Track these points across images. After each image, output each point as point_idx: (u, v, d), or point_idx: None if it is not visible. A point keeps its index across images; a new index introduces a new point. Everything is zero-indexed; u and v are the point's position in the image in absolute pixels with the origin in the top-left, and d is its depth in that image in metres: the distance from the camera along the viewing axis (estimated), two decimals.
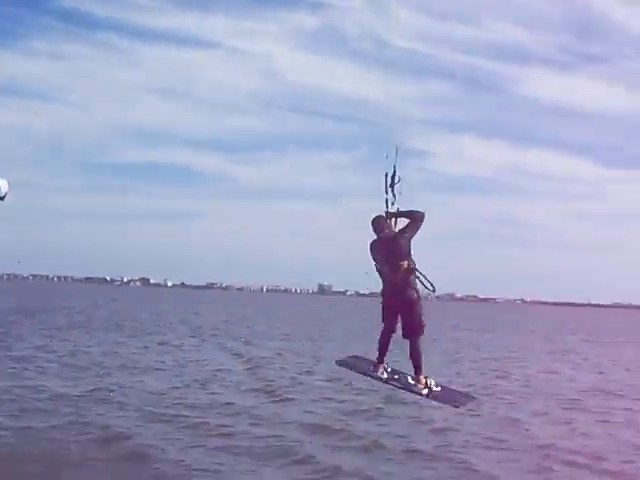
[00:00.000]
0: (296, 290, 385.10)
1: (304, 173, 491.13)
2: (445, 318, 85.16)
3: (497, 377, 30.55)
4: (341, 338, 48.22)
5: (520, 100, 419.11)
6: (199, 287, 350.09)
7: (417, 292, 10.87)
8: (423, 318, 11.00)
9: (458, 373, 29.88)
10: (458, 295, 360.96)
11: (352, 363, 11.93)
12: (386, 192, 11.38)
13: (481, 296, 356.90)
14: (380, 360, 11.00)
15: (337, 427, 18.20)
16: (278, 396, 23.24)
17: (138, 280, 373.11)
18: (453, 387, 12.57)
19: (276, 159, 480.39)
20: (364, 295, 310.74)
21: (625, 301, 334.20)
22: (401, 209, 11.26)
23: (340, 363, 11.98)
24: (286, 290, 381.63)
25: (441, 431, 17.85)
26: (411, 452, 15.73)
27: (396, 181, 11.39)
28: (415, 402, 16.92)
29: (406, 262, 10.69)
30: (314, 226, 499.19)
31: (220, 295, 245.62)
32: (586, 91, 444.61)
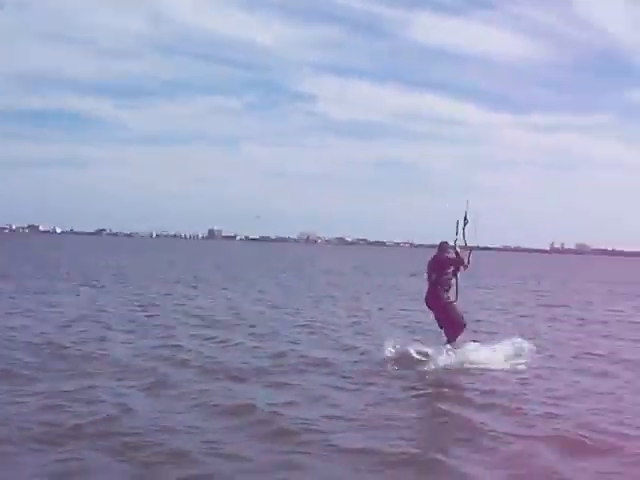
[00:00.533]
0: (185, 235, 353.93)
1: (193, 118, 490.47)
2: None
3: None
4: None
5: (409, 44, 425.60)
6: (88, 234, 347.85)
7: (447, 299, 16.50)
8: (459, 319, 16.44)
9: None
10: (348, 239, 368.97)
11: None
12: (456, 233, 16.46)
13: (371, 240, 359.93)
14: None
15: None
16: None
17: (27, 227, 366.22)
18: None
19: (165, 104, 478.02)
20: (254, 239, 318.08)
21: (513, 245, 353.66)
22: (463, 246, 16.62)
23: None
24: (175, 235, 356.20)
25: None
26: None
27: (464, 226, 16.46)
28: None
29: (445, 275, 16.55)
30: (204, 171, 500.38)
31: (108, 241, 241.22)
32: (475, 36, 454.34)
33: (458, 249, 16.53)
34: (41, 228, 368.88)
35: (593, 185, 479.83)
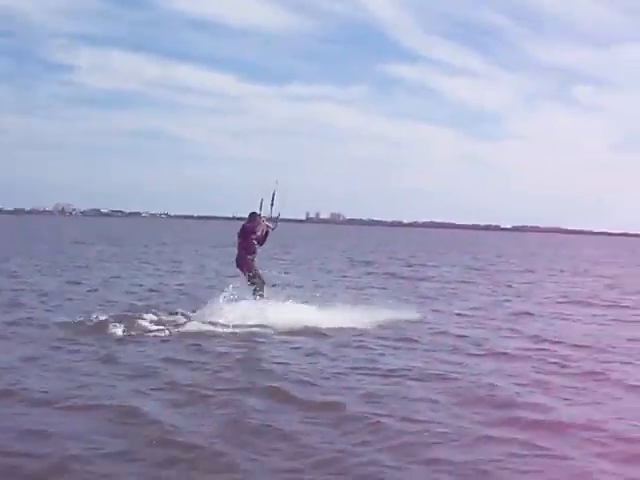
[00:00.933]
0: None
1: None
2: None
3: None
4: None
5: (169, 15, 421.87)
6: None
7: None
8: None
9: None
10: (104, 210, 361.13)
11: None
12: (260, 208, 20.40)
13: (127, 210, 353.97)
14: None
15: None
16: None
17: None
18: None
19: None
20: (9, 212, 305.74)
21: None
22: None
23: None
24: None
25: None
26: None
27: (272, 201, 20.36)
28: None
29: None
30: None
31: None
32: (234, 6, 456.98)
33: (264, 219, 20.26)
34: None
35: (347, 157, 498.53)
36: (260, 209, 20.42)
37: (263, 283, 20.00)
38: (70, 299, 23.36)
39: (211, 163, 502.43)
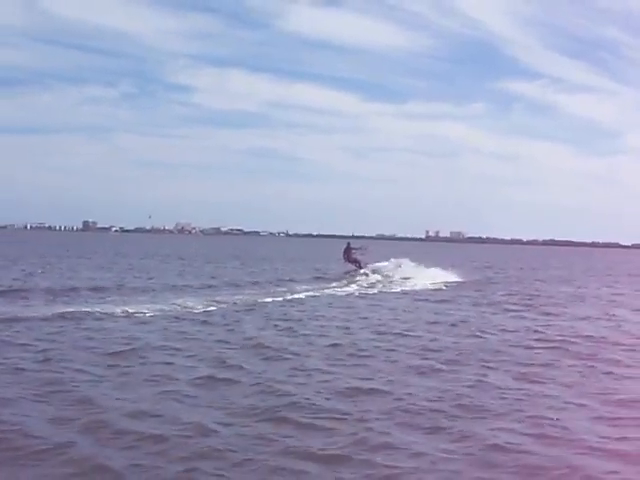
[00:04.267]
0: (60, 227, 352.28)
1: (67, 108, 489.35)
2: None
3: None
4: None
5: (285, 35, 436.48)
6: None
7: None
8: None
9: None
10: (224, 229, 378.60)
11: None
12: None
13: (246, 230, 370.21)
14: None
15: None
16: None
17: None
18: None
19: (37, 94, 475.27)
20: (129, 231, 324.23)
21: (387, 233, 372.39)
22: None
23: None
24: (50, 227, 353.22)
25: None
26: None
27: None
28: None
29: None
30: (79, 162, 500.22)
31: None
32: (349, 26, 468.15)
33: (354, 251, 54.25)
34: None
35: (466, 174, 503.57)
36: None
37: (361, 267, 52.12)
38: None
39: (330, 182, 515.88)
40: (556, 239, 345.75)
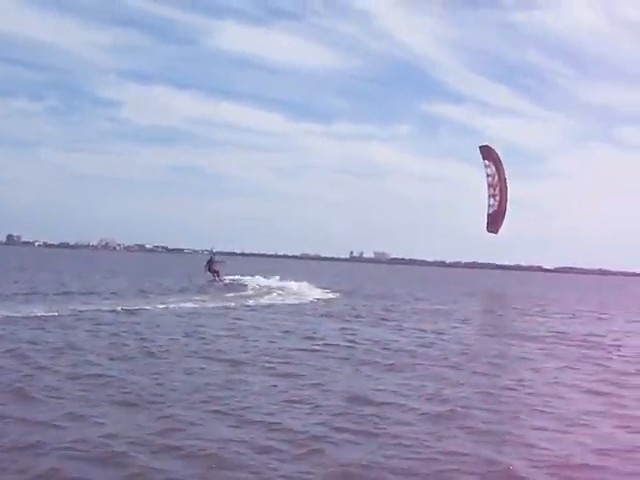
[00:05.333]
0: None
1: None
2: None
3: None
4: None
5: (211, 52, 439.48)
6: None
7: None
8: None
9: None
10: (148, 246, 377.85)
11: None
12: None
13: (170, 247, 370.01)
14: None
15: None
16: None
17: None
18: None
19: None
20: (53, 245, 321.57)
21: (312, 252, 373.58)
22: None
23: None
24: None
25: None
26: None
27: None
28: None
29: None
30: (3, 175, 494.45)
31: None
32: (279, 46, 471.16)
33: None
34: None
35: (391, 195, 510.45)
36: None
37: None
38: None
39: (255, 200, 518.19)
40: (479, 261, 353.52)
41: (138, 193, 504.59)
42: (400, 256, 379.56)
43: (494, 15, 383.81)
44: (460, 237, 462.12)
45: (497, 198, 78.18)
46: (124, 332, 26.64)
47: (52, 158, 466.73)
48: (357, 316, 38.60)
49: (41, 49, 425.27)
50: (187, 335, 26.78)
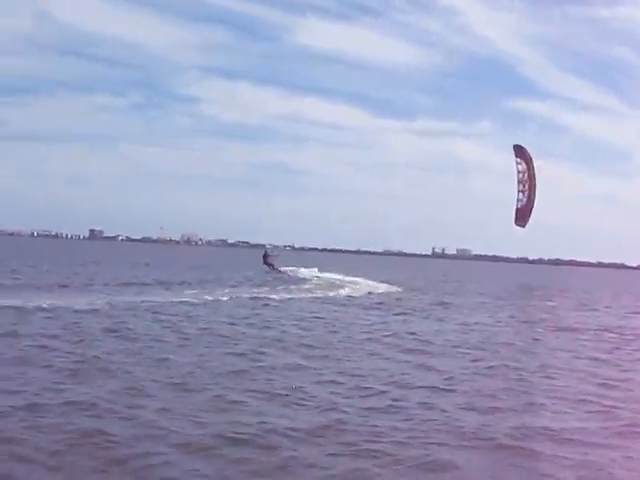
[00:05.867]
0: (67, 235, 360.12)
1: (74, 116, 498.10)
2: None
3: None
4: None
5: (294, 49, 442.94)
6: None
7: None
8: None
9: None
10: (230, 241, 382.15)
11: None
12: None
13: (252, 242, 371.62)
14: None
15: None
16: None
17: None
18: None
19: (45, 102, 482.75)
20: (136, 240, 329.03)
21: (394, 248, 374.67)
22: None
23: None
24: (57, 235, 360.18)
25: None
26: None
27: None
28: None
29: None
30: (86, 170, 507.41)
31: None
32: (361, 42, 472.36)
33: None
34: None
35: (474, 191, 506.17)
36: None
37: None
38: None
39: (337, 196, 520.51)
40: (561, 258, 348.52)
41: (221, 189, 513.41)
42: (483, 252, 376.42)
43: (578, 11, 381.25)
44: (543, 234, 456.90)
45: (526, 194, 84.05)
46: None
47: (133, 154, 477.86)
48: (400, 308, 40.80)
49: (124, 47, 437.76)
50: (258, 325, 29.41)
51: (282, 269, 74.60)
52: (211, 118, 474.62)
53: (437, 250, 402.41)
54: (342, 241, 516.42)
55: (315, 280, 60.08)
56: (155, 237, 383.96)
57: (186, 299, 38.06)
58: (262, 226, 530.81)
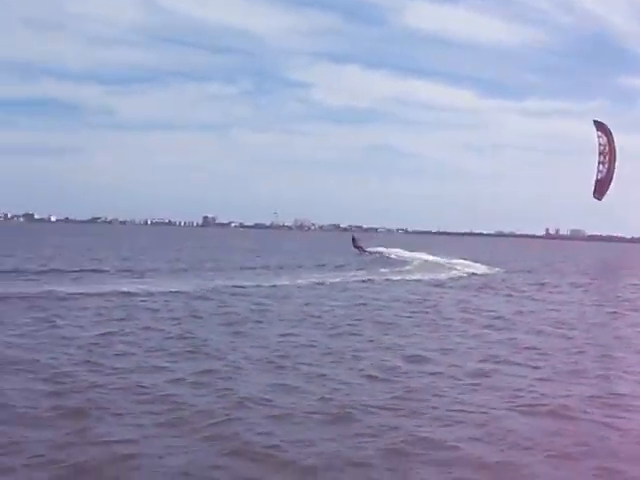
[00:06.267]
0: (180, 223, 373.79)
1: (185, 104, 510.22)
2: None
3: None
4: None
5: (401, 31, 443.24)
6: (83, 222, 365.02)
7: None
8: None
9: None
10: (343, 225, 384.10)
11: None
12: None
13: (365, 226, 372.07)
14: None
15: None
16: None
17: (22, 216, 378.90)
18: None
19: (156, 91, 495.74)
20: (249, 227, 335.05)
21: (507, 230, 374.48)
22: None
23: None
24: (170, 222, 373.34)
25: None
26: None
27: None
28: None
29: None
30: (198, 158, 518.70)
31: (106, 229, 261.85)
32: (466, 23, 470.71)
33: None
34: (36, 216, 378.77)
35: (587, 171, 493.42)
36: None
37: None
38: None
39: (448, 179, 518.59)
40: None
41: (332, 173, 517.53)
42: (598, 233, 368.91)
43: None
44: None
45: (606, 166, 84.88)
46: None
47: (243, 140, 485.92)
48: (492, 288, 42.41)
49: (233, 34, 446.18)
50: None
51: (369, 250, 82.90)
52: (320, 102, 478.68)
53: (550, 231, 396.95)
54: (453, 223, 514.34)
55: (416, 262, 61.82)
56: (268, 223, 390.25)
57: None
58: (374, 209, 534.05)
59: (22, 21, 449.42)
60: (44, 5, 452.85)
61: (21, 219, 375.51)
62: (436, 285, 43.20)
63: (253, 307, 29.18)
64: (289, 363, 17.87)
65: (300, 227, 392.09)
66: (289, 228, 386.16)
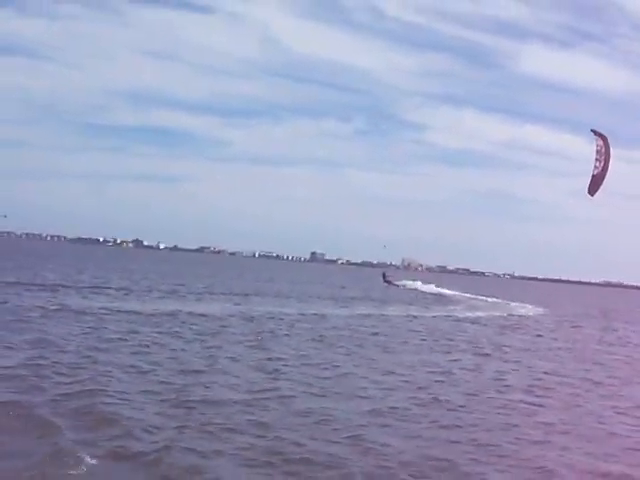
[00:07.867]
0: (288, 257, 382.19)
1: (298, 140, 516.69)
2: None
3: None
4: None
5: (518, 76, 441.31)
6: (191, 250, 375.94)
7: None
8: None
9: None
10: (450, 267, 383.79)
11: None
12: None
13: (472, 269, 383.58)
14: None
15: None
16: None
17: (131, 242, 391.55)
18: None
19: (271, 125, 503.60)
20: (355, 264, 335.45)
21: (614, 280, 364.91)
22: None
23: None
24: (278, 256, 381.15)
25: None
26: None
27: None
28: None
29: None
30: (308, 194, 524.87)
31: (213, 259, 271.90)
32: (583, 69, 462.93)
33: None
34: (145, 243, 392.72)
35: None
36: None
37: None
38: None
39: (559, 225, 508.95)
40: None
41: (441, 214, 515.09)
42: None
43: None
44: None
45: (602, 163, 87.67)
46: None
47: (355, 177, 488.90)
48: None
49: (349, 72, 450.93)
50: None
51: (397, 283, 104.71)
52: (434, 144, 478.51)
53: None
54: (560, 270, 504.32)
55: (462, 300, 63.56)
56: (375, 262, 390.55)
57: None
58: (481, 253, 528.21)
59: (144, 52, 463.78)
60: (166, 36, 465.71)
61: (130, 244, 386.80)
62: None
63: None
64: None
65: (407, 267, 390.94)
66: (396, 267, 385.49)
